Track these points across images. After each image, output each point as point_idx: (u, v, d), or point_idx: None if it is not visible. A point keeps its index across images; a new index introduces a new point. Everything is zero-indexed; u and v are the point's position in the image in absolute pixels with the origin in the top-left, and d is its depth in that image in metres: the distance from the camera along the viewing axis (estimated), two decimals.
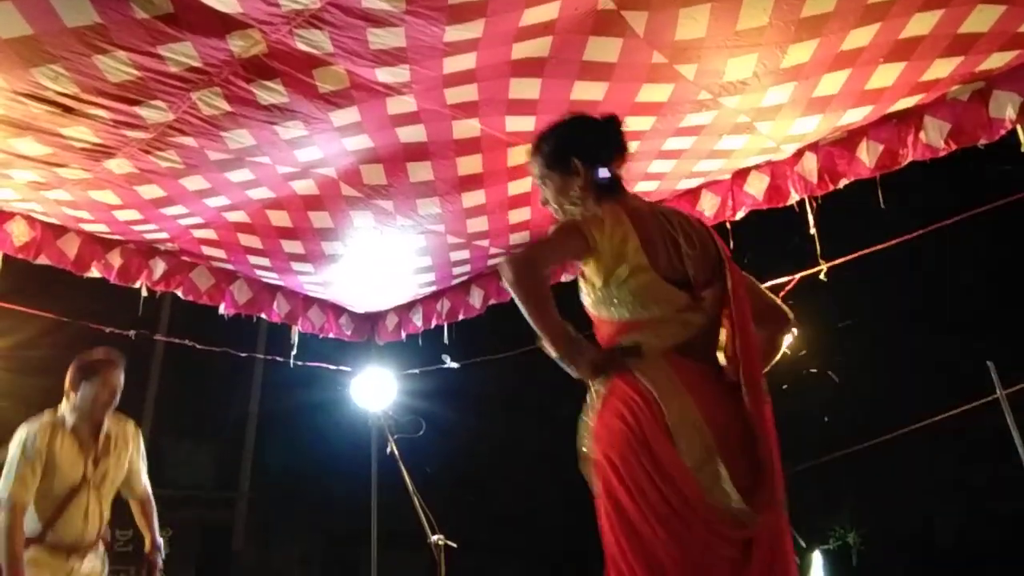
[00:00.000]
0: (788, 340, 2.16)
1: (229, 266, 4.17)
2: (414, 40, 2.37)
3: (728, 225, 3.46)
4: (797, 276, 3.56)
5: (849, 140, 3.10)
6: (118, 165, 3.06)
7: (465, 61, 2.52)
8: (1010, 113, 2.71)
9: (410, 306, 4.83)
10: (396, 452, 3.66)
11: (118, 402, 3.23)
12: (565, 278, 3.83)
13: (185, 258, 4.05)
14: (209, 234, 3.79)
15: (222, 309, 4.27)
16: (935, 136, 2.87)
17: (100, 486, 3.19)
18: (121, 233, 3.76)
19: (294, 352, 4.75)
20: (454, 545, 3.60)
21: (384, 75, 2.57)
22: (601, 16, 2.36)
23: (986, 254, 10.08)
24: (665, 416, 1.74)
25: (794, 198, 3.28)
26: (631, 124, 2.94)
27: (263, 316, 4.48)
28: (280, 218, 3.63)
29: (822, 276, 3.44)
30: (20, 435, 3.06)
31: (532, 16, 2.32)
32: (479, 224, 3.75)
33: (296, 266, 4.14)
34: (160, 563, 3.45)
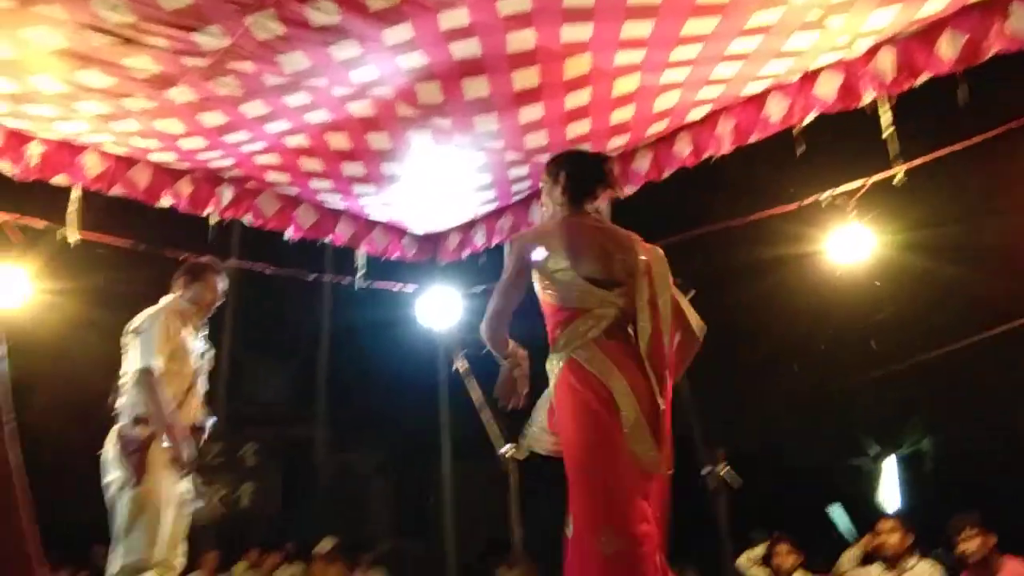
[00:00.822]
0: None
1: (293, 191, 4.24)
2: None
3: (795, 131, 3.33)
4: (871, 179, 3.42)
5: (928, 32, 2.91)
6: (180, 93, 3.11)
7: None
8: None
9: (471, 225, 4.83)
10: (462, 368, 3.73)
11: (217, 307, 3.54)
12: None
13: (250, 184, 4.13)
14: (271, 159, 3.84)
15: (288, 234, 4.36)
16: (1022, 25, 2.67)
17: (203, 378, 3.46)
18: (188, 162, 3.84)
19: (360, 274, 4.83)
20: (522, 457, 3.69)
21: None
22: None
23: None
24: (611, 391, 2.38)
25: (867, 98, 3.11)
26: (692, 28, 2.83)
27: (329, 239, 4.56)
28: (339, 141, 3.65)
29: (897, 180, 3.29)
30: (154, 314, 3.24)
31: None
32: (538, 139, 3.70)
33: (357, 188, 4.17)
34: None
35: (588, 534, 2.48)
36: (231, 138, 3.56)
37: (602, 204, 2.77)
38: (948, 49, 2.85)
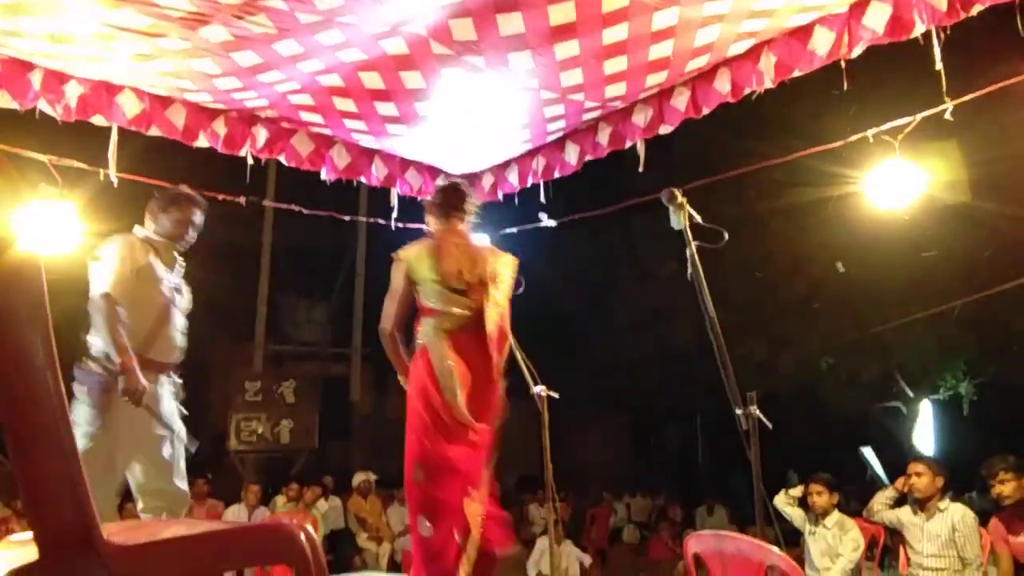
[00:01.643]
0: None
1: (327, 131, 4.23)
2: None
3: (843, 64, 3.21)
4: (919, 115, 3.31)
5: None
6: (213, 32, 3.09)
7: None
8: None
9: (505, 165, 4.80)
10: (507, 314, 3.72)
11: (192, 241, 3.46)
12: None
13: (285, 124, 4.13)
14: (305, 99, 3.82)
15: (323, 174, 4.37)
16: None
17: (182, 311, 3.39)
18: (223, 102, 3.85)
19: (395, 215, 4.85)
20: (555, 395, 3.73)
21: None
22: None
23: None
24: (433, 366, 3.15)
25: (919, 30, 2.98)
26: None
27: (363, 180, 4.56)
28: (373, 80, 3.62)
29: (948, 115, 3.17)
30: (113, 244, 3.18)
31: None
32: (573, 77, 3.62)
33: (391, 128, 4.15)
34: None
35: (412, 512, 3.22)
36: (265, 78, 3.54)
37: (466, 223, 3.46)
38: None
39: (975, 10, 2.84)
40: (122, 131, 3.74)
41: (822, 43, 3.20)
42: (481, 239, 4.34)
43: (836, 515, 5.10)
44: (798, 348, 11.14)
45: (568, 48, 3.35)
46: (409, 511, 3.26)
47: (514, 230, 5.05)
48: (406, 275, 3.29)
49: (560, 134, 4.36)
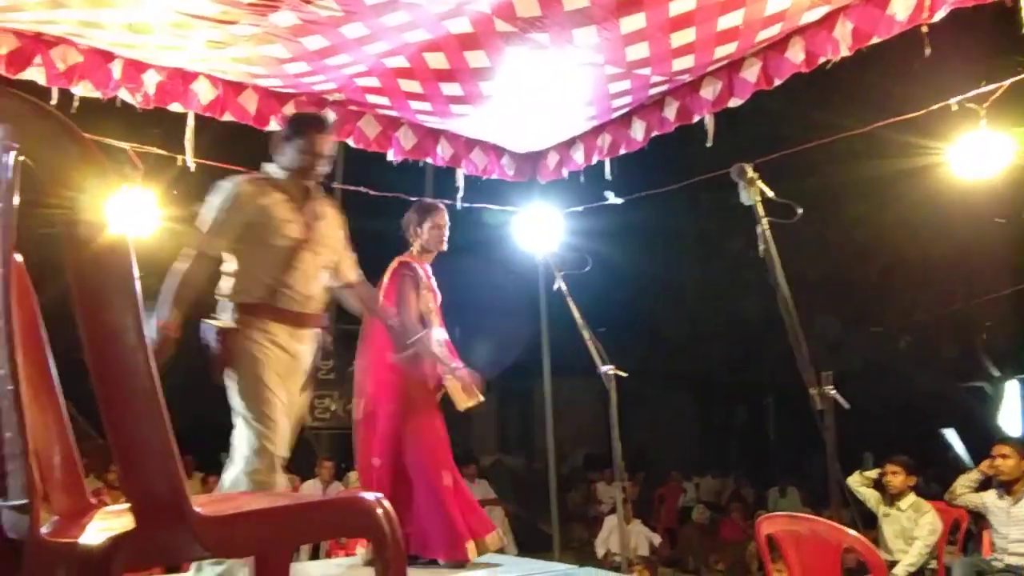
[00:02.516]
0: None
1: (393, 113, 4.28)
2: None
3: (925, 29, 3.06)
4: (1007, 82, 3.15)
5: None
6: (282, 18, 3.15)
7: None
8: None
9: (570, 143, 4.76)
10: (564, 288, 3.74)
11: (327, 172, 3.05)
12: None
13: (352, 107, 4.19)
14: (372, 82, 3.87)
15: (390, 155, 4.43)
16: None
17: (318, 252, 2.96)
18: (293, 86, 3.93)
19: (460, 195, 4.87)
20: (624, 374, 3.72)
21: None
22: None
23: None
24: None
25: None
26: None
27: (428, 160, 4.60)
28: (437, 60, 3.63)
29: None
30: (223, 187, 2.85)
31: None
32: (639, 51, 3.56)
33: (456, 108, 4.17)
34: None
35: None
36: (333, 61, 3.60)
37: None
38: None
39: None
40: (198, 118, 3.86)
41: (902, 7, 3.05)
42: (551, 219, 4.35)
43: (912, 497, 4.95)
44: (875, 325, 10.80)
45: (634, 21, 3.29)
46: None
47: (579, 208, 5.03)
48: None
49: (626, 110, 4.30)
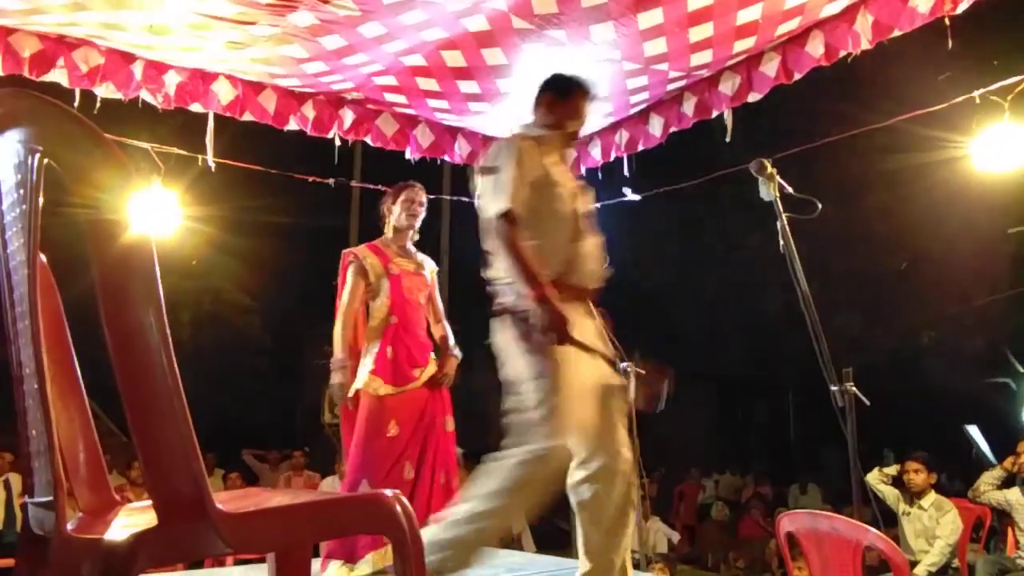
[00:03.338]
0: None
1: (411, 111, 4.29)
2: None
3: (947, 21, 3.02)
4: None
5: None
6: (301, 18, 3.17)
7: None
8: None
9: (588, 140, 4.75)
10: None
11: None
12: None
13: (370, 106, 4.21)
14: (389, 80, 3.88)
15: (407, 154, 4.44)
16: None
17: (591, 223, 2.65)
18: (311, 86, 3.95)
19: (478, 192, 4.87)
20: (643, 372, 3.70)
21: None
22: None
23: None
24: None
25: None
26: None
27: (446, 158, 4.61)
28: (454, 58, 3.64)
29: None
30: (503, 150, 2.46)
31: None
32: (657, 46, 3.54)
33: (473, 106, 4.17)
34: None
35: None
36: (351, 60, 3.61)
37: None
38: None
39: None
40: (218, 118, 3.89)
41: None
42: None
43: (933, 496, 4.90)
44: (898, 321, 10.70)
45: (652, 16, 3.27)
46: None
47: (598, 205, 5.01)
48: None
49: (643, 106, 4.28)
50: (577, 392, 2.34)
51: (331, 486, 8.13)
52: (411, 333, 3.51)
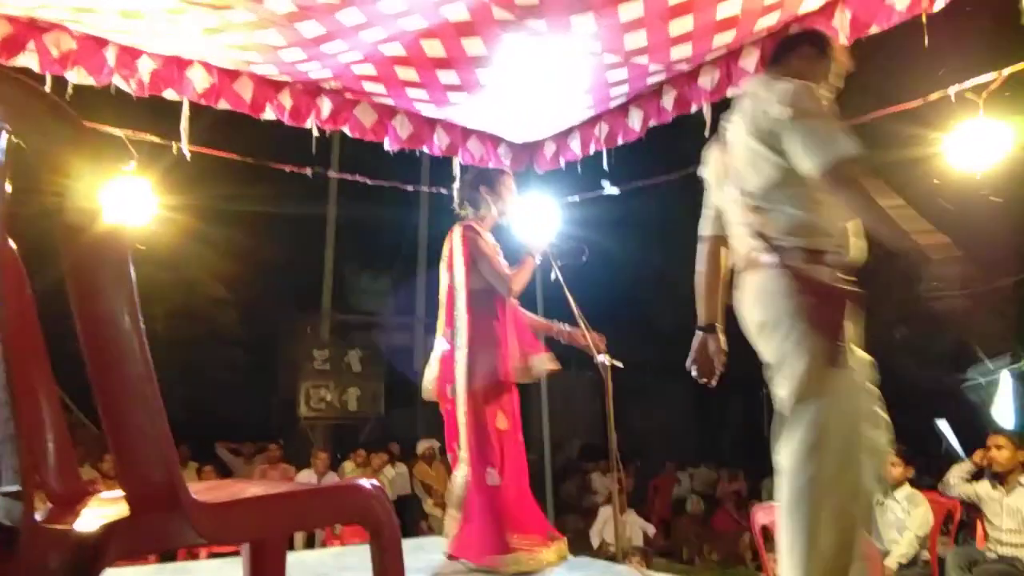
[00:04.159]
0: None
1: (390, 101, 4.25)
2: None
3: (924, 18, 3.05)
4: (1005, 71, 3.14)
5: None
6: (278, 4, 3.12)
7: None
8: None
9: (567, 133, 4.74)
10: (560, 278, 3.72)
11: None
12: None
13: (348, 95, 4.16)
14: (368, 69, 3.84)
15: (386, 144, 4.40)
16: None
17: None
18: (288, 74, 3.90)
19: (457, 184, 4.85)
20: (620, 364, 3.71)
21: None
22: None
23: None
24: None
25: None
26: None
27: (425, 149, 4.58)
28: (434, 48, 3.61)
29: None
30: (796, 91, 2.14)
31: None
32: (637, 39, 3.54)
33: (453, 97, 4.15)
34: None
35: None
36: (329, 48, 3.57)
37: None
38: None
39: None
40: (193, 106, 3.83)
41: None
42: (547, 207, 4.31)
43: (907, 489, 4.97)
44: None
45: (632, 9, 3.27)
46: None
47: (576, 198, 5.01)
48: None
49: (623, 99, 4.28)
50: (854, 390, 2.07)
51: (306, 479, 8.09)
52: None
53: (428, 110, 4.38)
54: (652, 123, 4.23)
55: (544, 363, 3.32)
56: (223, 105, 3.85)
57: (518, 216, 4.58)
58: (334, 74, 3.90)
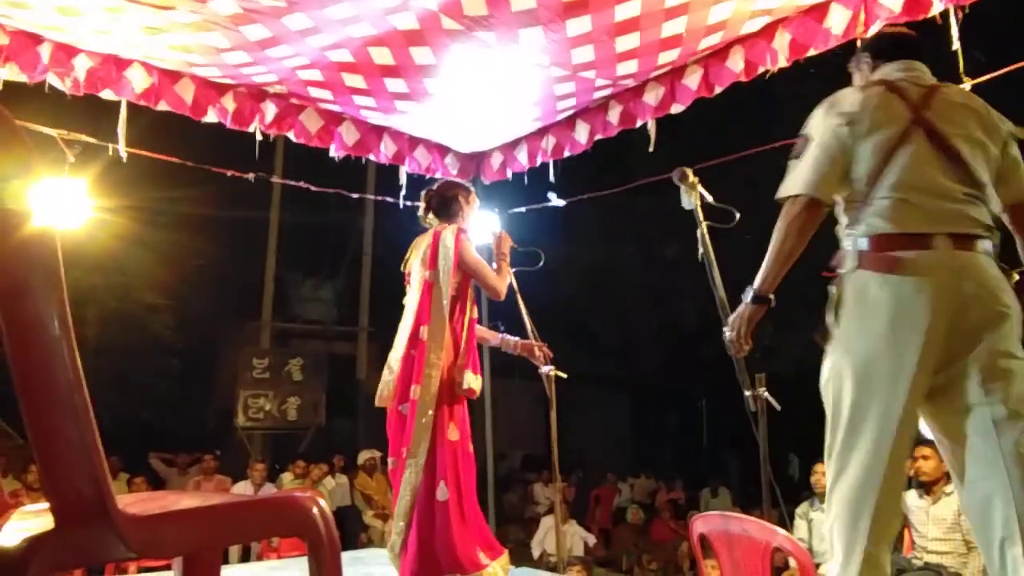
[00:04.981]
0: None
1: (336, 107, 4.21)
2: None
3: (859, 43, 3.16)
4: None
5: None
6: (223, 5, 3.07)
7: None
8: None
9: (515, 144, 4.77)
10: (515, 286, 3.70)
11: None
12: None
13: (294, 100, 4.11)
14: (315, 75, 3.80)
15: (332, 151, 4.36)
16: None
17: None
18: (232, 77, 3.83)
19: (403, 192, 4.83)
20: (564, 375, 3.73)
21: None
22: None
23: None
24: None
25: (936, 8, 2.93)
26: None
27: (371, 157, 4.55)
28: (382, 56, 3.59)
29: None
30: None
31: None
32: (584, 54, 3.59)
33: (400, 105, 4.13)
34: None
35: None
36: (274, 52, 3.52)
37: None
38: None
39: None
40: (132, 106, 3.73)
41: (838, 21, 3.15)
42: (486, 219, 4.28)
43: None
44: (805, 330, 11.12)
45: (580, 24, 3.32)
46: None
47: (522, 209, 5.04)
48: None
49: (570, 112, 4.33)
50: None
51: (243, 491, 7.90)
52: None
53: (375, 118, 4.35)
54: (598, 136, 4.28)
55: (472, 382, 3.23)
56: (163, 106, 3.76)
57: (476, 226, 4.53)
58: (279, 78, 3.85)
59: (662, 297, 12.79)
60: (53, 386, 1.05)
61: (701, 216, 2.87)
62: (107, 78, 3.58)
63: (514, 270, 3.59)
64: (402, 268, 3.44)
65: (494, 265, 3.35)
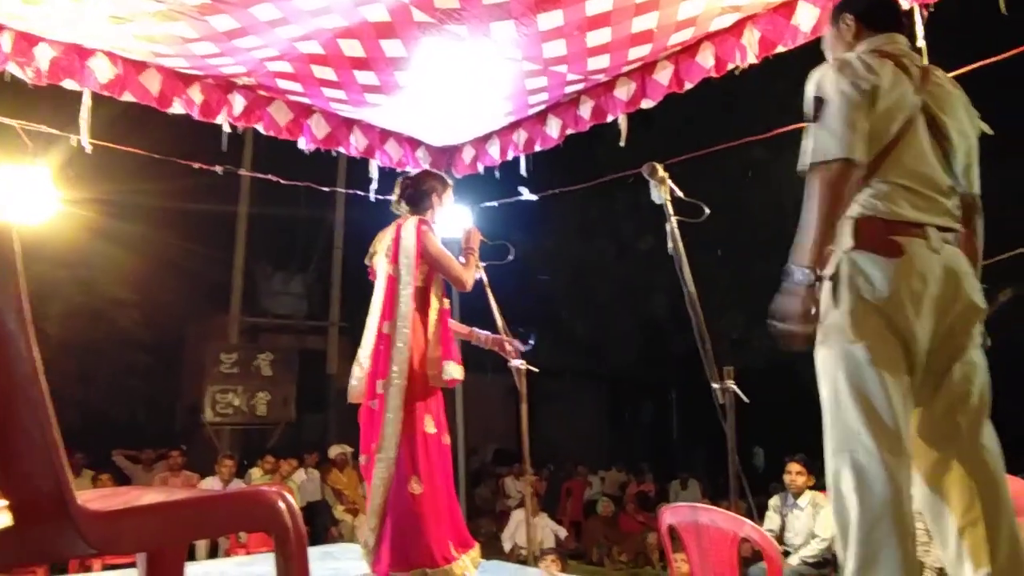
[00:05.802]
0: None
1: (306, 100, 4.17)
2: None
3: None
4: None
5: None
6: None
7: None
8: None
9: (487, 138, 4.76)
10: (485, 279, 3.69)
11: None
12: None
13: (263, 92, 4.06)
14: (284, 67, 3.76)
15: (301, 144, 4.31)
16: None
17: None
18: (199, 68, 3.77)
19: (374, 186, 4.80)
20: (535, 370, 3.74)
21: None
22: None
23: None
24: None
25: (902, 5, 2.97)
26: None
27: (342, 150, 4.51)
28: (353, 48, 3.56)
29: None
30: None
31: None
32: (556, 48, 3.59)
33: (371, 98, 4.10)
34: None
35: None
36: (242, 43, 3.47)
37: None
38: None
39: None
40: (96, 97, 3.66)
41: (806, 19, 3.18)
42: (458, 213, 4.26)
43: (809, 494, 5.18)
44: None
45: (552, 18, 3.31)
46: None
47: (494, 203, 5.03)
48: None
49: (542, 107, 4.33)
50: None
51: (211, 487, 7.82)
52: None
53: (345, 110, 4.31)
54: (570, 131, 4.29)
55: (454, 371, 3.21)
56: (128, 97, 3.69)
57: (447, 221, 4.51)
58: (248, 70, 3.79)
59: (635, 290, 12.86)
60: (10, 382, 1.03)
61: (671, 210, 2.89)
62: (70, 68, 3.50)
63: (484, 264, 3.58)
64: (366, 261, 3.42)
65: (461, 259, 3.33)
